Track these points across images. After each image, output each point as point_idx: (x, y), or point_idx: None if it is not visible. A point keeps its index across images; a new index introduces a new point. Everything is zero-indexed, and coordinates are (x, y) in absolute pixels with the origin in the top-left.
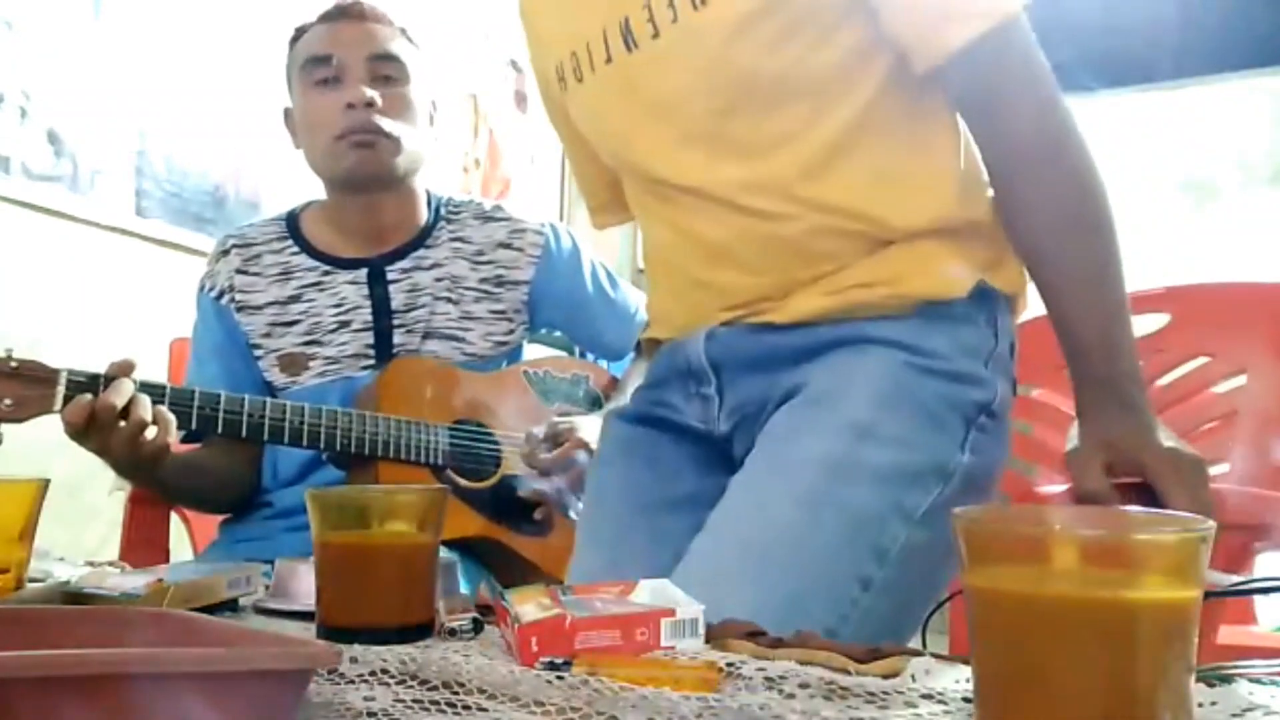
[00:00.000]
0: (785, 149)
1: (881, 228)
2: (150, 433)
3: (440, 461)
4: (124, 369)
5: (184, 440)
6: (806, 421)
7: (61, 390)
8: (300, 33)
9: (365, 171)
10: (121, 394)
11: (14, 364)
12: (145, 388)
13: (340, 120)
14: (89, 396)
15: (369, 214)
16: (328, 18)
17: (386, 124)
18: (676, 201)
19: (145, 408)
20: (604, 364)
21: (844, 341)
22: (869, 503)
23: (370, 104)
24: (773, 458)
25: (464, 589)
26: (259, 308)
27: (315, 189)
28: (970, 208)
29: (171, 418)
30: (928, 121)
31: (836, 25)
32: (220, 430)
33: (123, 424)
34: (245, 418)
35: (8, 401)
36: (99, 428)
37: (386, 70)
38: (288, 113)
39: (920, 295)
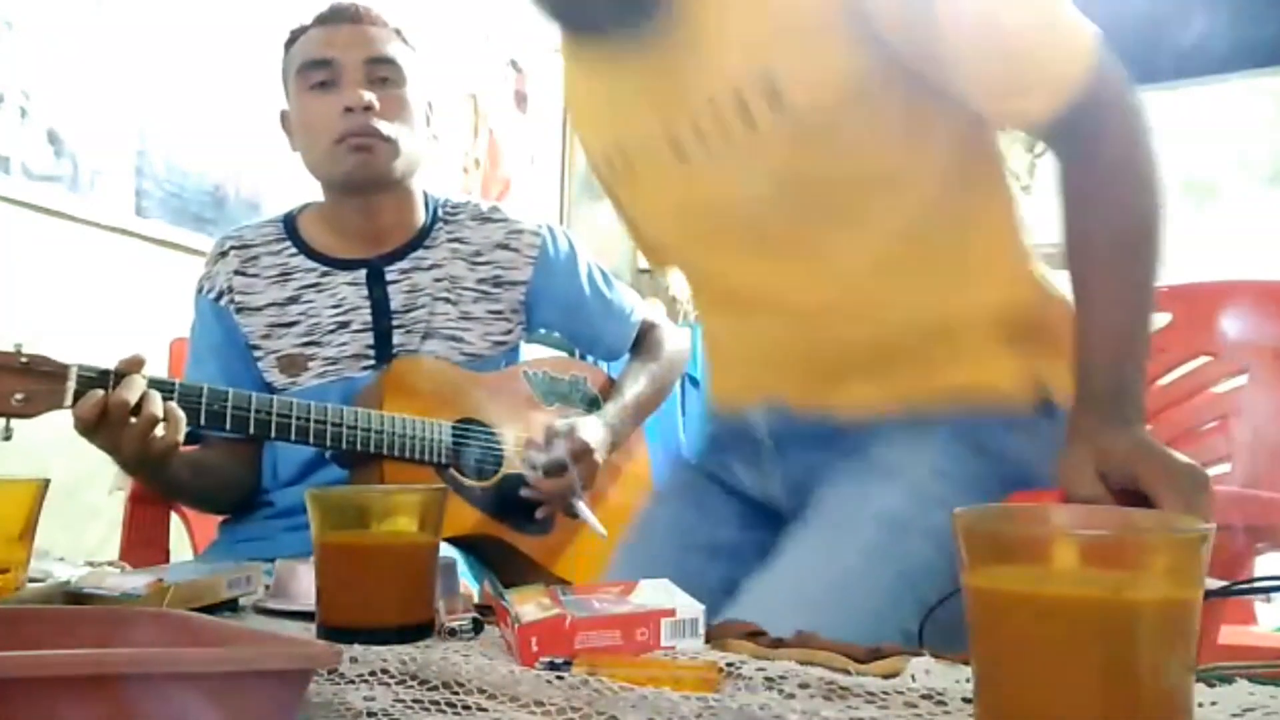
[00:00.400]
0: (842, 253)
1: (941, 324)
2: (160, 430)
3: (444, 460)
4: (134, 365)
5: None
6: (872, 484)
7: (72, 386)
8: (295, 35)
9: (364, 175)
10: (134, 390)
11: (24, 359)
12: (154, 385)
13: (338, 124)
14: (101, 392)
15: (367, 215)
16: (323, 20)
17: (384, 127)
18: (729, 298)
19: (157, 404)
20: (602, 365)
21: (903, 425)
22: (924, 557)
23: (368, 108)
24: (837, 512)
25: (471, 584)
26: (258, 309)
27: (316, 190)
28: (1029, 290)
29: (181, 415)
30: (986, 206)
31: (886, 134)
32: (229, 427)
33: (134, 420)
34: (253, 415)
35: (18, 396)
36: (110, 424)
37: (383, 73)
38: (284, 115)
39: (979, 394)
